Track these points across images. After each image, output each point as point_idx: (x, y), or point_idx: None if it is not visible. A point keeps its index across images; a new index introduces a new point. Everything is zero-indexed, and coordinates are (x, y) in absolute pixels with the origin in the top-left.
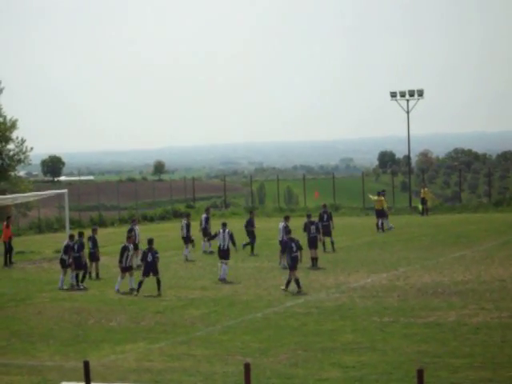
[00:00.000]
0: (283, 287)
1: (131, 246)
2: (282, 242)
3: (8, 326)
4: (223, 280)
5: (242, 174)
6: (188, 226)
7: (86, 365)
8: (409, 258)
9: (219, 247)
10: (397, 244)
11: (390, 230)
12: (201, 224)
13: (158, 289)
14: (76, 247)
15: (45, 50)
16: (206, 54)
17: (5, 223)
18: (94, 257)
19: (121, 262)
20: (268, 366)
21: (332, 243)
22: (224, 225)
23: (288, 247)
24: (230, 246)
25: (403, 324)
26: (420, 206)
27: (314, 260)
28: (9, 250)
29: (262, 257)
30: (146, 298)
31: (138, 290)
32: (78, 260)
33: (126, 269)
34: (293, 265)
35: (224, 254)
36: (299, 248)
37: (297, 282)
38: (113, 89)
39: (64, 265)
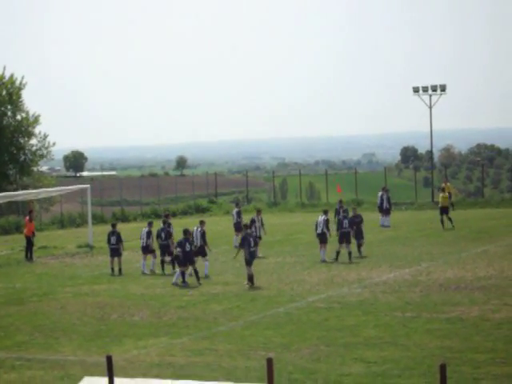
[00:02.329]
0: (246, 282)
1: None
2: (242, 238)
3: (31, 321)
4: (207, 277)
5: (264, 169)
6: (239, 214)
7: (109, 359)
8: (431, 253)
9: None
10: (419, 239)
11: (385, 228)
12: (233, 219)
13: (197, 278)
14: (163, 235)
15: (68, 45)
16: (230, 50)
17: (27, 217)
18: (117, 252)
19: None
20: (290, 360)
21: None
22: (201, 222)
23: (247, 242)
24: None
25: (426, 319)
26: None
27: (349, 254)
28: (30, 244)
29: (284, 252)
30: (168, 293)
31: (184, 281)
32: (165, 247)
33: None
34: (250, 259)
35: (199, 251)
36: (256, 243)
37: (250, 277)
38: (136, 84)
39: (146, 250)
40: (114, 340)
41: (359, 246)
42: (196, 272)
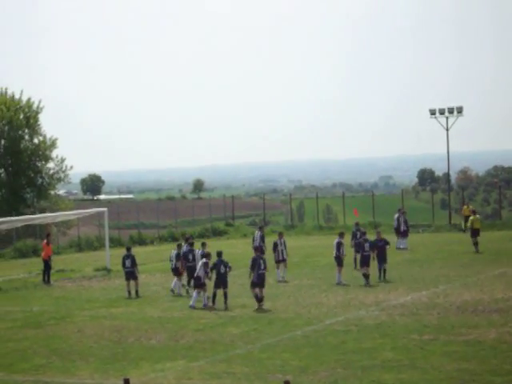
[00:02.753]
0: (256, 307)
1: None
2: (252, 260)
3: (48, 344)
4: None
5: (282, 192)
6: (262, 238)
7: (126, 383)
8: (449, 275)
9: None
10: (436, 261)
11: (402, 250)
12: (253, 241)
13: (225, 302)
14: (191, 257)
15: (85, 69)
16: (244, 73)
17: (45, 241)
18: (133, 275)
19: (200, 278)
20: (308, 383)
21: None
22: (203, 244)
23: (257, 264)
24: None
25: (443, 342)
26: (464, 224)
27: (367, 277)
28: (48, 267)
29: (301, 275)
30: (186, 316)
31: (213, 303)
32: (191, 269)
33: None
34: (259, 282)
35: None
36: (265, 266)
37: (257, 297)
38: (153, 107)
39: (176, 272)
40: (131, 363)
41: (384, 270)
42: (225, 295)
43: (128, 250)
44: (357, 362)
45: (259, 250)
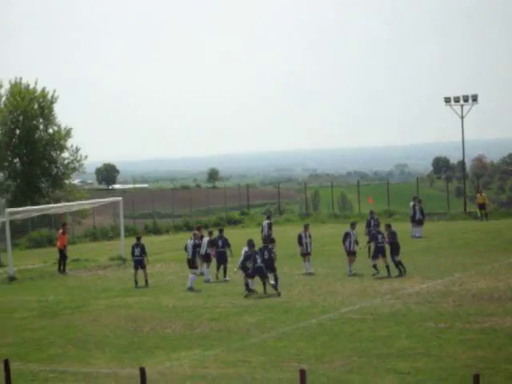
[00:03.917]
0: (245, 294)
1: None
2: (245, 256)
3: (64, 334)
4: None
5: (296, 181)
6: (270, 226)
7: (142, 372)
8: (464, 263)
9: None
10: (451, 250)
11: (418, 238)
12: (262, 230)
13: (276, 288)
14: (220, 243)
15: (100, 58)
16: (259, 63)
17: (61, 230)
18: (141, 263)
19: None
20: (323, 372)
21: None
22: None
23: (251, 259)
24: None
25: (459, 330)
26: (478, 212)
27: (387, 268)
28: (63, 257)
29: (317, 263)
30: (201, 305)
31: (248, 290)
32: (222, 255)
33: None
34: (254, 274)
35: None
36: (265, 259)
37: (247, 286)
38: (168, 97)
39: (207, 259)
40: (146, 352)
41: (400, 263)
42: (276, 278)
43: (138, 239)
44: (372, 350)
45: (252, 244)
